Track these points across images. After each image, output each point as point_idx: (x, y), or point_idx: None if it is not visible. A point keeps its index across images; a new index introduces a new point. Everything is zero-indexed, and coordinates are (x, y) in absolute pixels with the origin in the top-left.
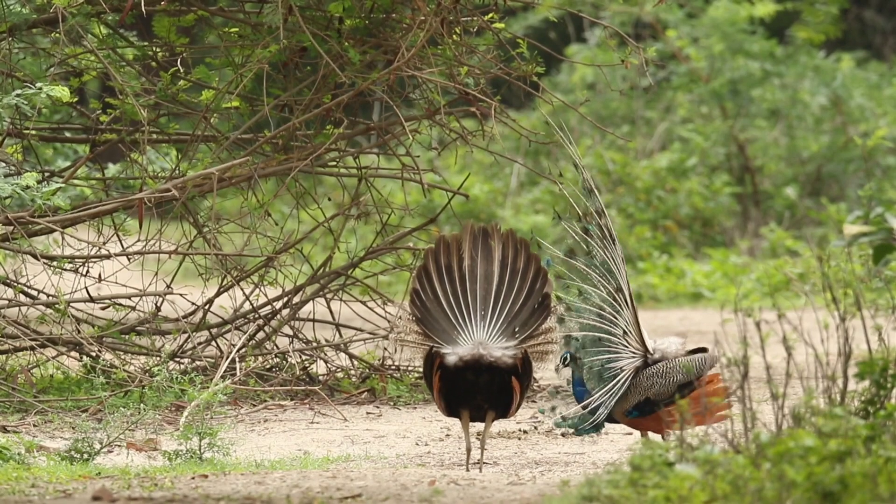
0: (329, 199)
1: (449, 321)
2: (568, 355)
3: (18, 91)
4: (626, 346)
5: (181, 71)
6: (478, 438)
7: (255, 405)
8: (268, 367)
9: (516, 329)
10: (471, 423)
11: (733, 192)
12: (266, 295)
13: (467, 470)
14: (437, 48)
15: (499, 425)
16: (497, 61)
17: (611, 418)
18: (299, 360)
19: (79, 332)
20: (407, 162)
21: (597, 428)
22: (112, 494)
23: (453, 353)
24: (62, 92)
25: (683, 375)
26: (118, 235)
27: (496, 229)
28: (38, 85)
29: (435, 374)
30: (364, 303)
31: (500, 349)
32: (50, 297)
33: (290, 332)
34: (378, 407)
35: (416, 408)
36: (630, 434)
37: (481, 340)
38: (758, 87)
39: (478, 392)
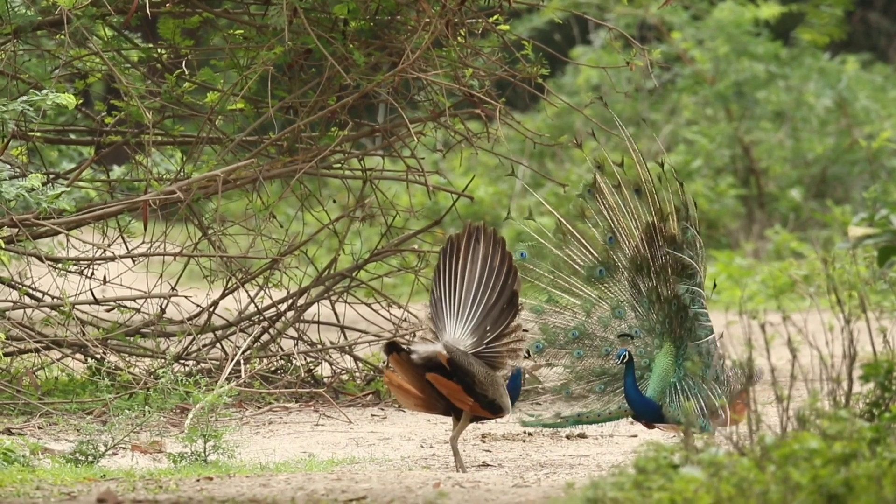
0: (334, 201)
1: (441, 318)
2: (626, 353)
3: (24, 97)
4: None
5: (186, 73)
6: (483, 441)
7: (259, 407)
8: (273, 369)
9: (488, 327)
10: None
11: (738, 195)
12: (271, 297)
13: (456, 470)
14: (441, 50)
15: (503, 427)
16: (502, 63)
17: (659, 416)
18: (304, 362)
19: (84, 334)
20: (412, 164)
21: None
22: (117, 497)
23: (415, 352)
24: (68, 100)
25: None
26: (123, 237)
27: (483, 228)
28: (45, 91)
29: (388, 369)
30: (369, 305)
31: (460, 346)
32: (55, 300)
33: (295, 335)
34: (383, 409)
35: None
36: (635, 436)
37: (452, 338)
38: (763, 89)
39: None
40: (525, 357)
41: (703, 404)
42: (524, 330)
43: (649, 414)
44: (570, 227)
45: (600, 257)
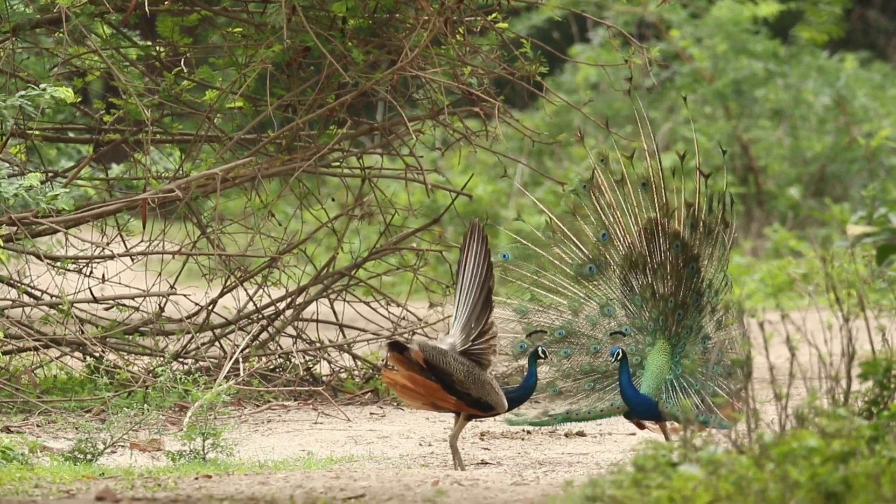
0: (332, 200)
1: (453, 316)
2: (619, 350)
3: (22, 92)
4: None
5: (185, 71)
6: (482, 439)
7: (258, 406)
8: (271, 367)
9: (472, 324)
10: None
11: (737, 193)
12: (269, 295)
13: (455, 468)
14: (440, 48)
15: (502, 425)
16: (500, 61)
17: (655, 414)
18: (303, 360)
19: (82, 332)
20: (410, 162)
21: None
22: (115, 495)
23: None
24: (66, 93)
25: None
26: (122, 236)
27: (476, 225)
28: (42, 86)
29: (388, 369)
30: (367, 303)
31: (443, 345)
32: (53, 298)
33: (294, 333)
34: (381, 407)
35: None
36: (634, 434)
37: (451, 334)
38: (761, 87)
39: None
40: (542, 358)
41: (704, 399)
42: (544, 332)
43: (645, 412)
44: (560, 226)
45: (591, 255)
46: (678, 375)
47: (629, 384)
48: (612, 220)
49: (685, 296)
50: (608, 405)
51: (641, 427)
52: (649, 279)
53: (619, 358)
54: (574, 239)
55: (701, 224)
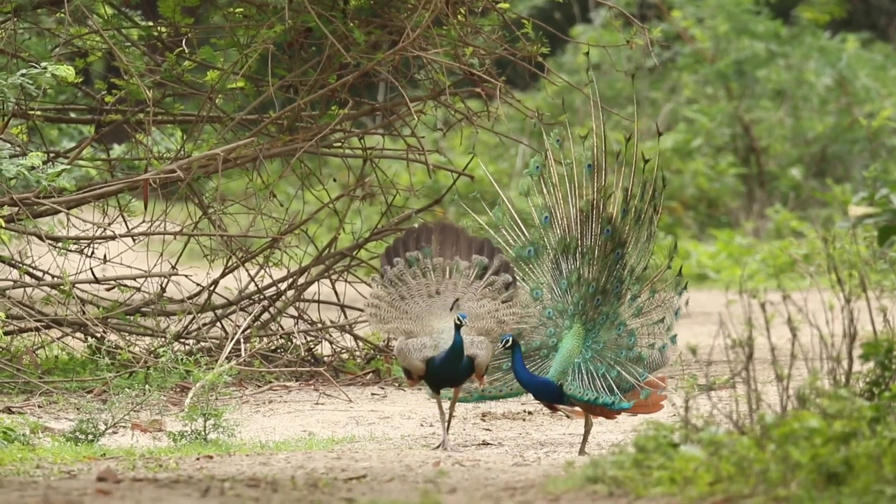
0: (334, 180)
1: None
2: (510, 339)
3: (23, 71)
4: None
5: (186, 51)
6: (483, 420)
7: (260, 386)
8: (273, 348)
9: None
10: None
11: (738, 173)
12: (271, 276)
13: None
14: (442, 29)
15: (503, 406)
16: (502, 42)
17: (558, 396)
18: (304, 341)
19: (84, 313)
20: (412, 143)
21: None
22: (117, 475)
23: None
24: (67, 71)
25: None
26: (123, 216)
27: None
28: (43, 64)
29: None
30: (369, 284)
31: None
32: (55, 278)
33: (295, 313)
34: (383, 388)
35: (420, 389)
36: (635, 415)
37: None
38: (763, 67)
39: None
40: (505, 347)
41: (611, 383)
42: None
43: (545, 394)
44: (509, 207)
45: (531, 237)
46: (587, 359)
47: (522, 368)
48: (555, 202)
49: (606, 282)
50: (518, 385)
51: (553, 409)
52: (577, 263)
53: (507, 346)
54: (519, 221)
55: (633, 210)
